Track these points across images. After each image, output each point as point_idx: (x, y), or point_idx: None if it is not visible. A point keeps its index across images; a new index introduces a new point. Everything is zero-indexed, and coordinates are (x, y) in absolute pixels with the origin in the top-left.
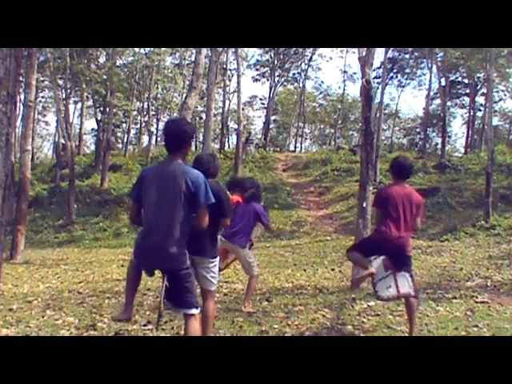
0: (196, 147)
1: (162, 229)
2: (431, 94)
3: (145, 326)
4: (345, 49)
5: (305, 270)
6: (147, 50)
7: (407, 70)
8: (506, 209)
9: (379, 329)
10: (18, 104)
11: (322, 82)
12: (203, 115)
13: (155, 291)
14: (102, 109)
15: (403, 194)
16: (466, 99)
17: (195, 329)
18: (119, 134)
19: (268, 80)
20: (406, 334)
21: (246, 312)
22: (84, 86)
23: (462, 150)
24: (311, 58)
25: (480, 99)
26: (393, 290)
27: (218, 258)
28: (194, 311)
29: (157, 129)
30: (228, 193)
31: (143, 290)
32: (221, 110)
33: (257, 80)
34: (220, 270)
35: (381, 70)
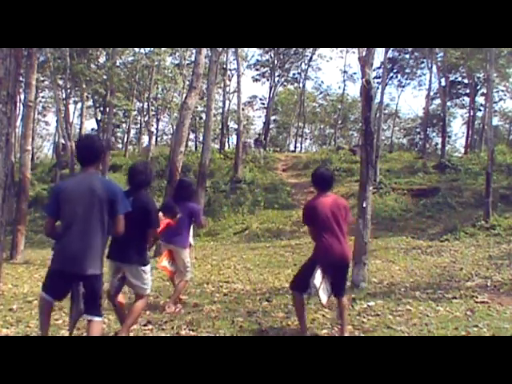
0: (196, 147)
1: (83, 237)
2: (431, 93)
3: (145, 325)
4: (345, 49)
5: None
6: (147, 49)
7: (407, 70)
8: (506, 209)
9: (379, 329)
10: (17, 104)
11: (322, 82)
12: (203, 115)
13: (155, 291)
14: (102, 109)
15: (329, 202)
16: (466, 99)
17: (98, 334)
18: (119, 134)
19: (268, 80)
20: (406, 334)
21: (169, 312)
22: (84, 86)
23: (462, 150)
24: (311, 58)
25: (480, 99)
26: (329, 289)
27: (148, 266)
28: (99, 319)
29: (157, 129)
30: (160, 214)
31: None
32: (221, 110)
33: (257, 80)
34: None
35: (381, 70)
